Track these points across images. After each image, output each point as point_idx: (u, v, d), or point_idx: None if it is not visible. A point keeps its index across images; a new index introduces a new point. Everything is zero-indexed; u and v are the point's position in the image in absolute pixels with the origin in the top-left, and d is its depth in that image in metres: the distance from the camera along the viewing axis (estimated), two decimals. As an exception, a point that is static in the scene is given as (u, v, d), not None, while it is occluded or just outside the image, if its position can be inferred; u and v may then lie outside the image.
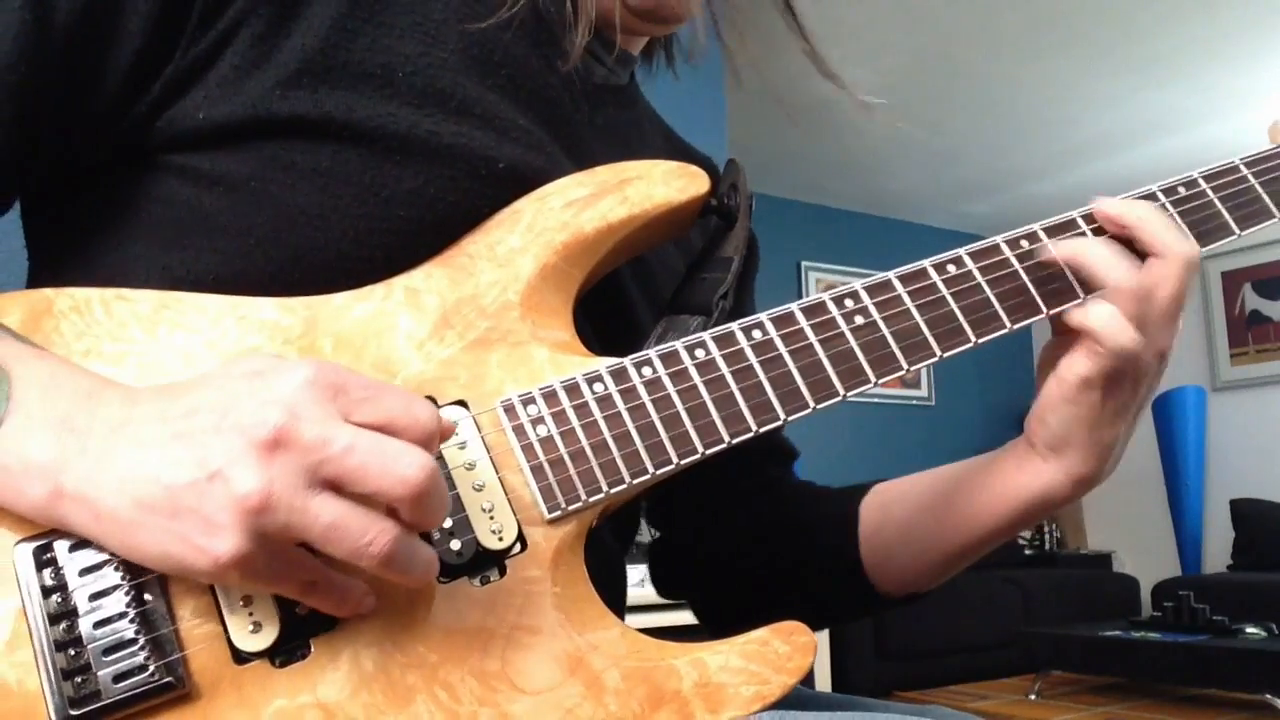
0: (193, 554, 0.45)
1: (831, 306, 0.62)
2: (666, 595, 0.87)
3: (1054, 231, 0.65)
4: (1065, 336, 0.63)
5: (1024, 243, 0.65)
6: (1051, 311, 0.64)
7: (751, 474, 0.81)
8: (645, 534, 0.85)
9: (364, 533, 0.45)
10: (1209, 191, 0.67)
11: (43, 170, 0.60)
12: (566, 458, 0.57)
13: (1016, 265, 0.64)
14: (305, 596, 0.49)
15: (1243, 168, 0.68)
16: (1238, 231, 0.67)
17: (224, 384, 0.47)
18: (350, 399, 0.47)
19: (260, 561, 0.45)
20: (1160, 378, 0.65)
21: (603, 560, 0.66)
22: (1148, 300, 0.61)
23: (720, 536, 0.82)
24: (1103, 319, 0.60)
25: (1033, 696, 4.42)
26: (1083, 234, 0.65)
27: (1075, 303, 0.63)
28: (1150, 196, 0.67)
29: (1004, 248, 0.65)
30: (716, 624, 0.84)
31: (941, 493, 0.73)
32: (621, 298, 0.72)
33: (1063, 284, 0.64)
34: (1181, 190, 0.67)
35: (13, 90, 0.55)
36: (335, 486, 0.45)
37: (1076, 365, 0.61)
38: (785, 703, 0.55)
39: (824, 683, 3.67)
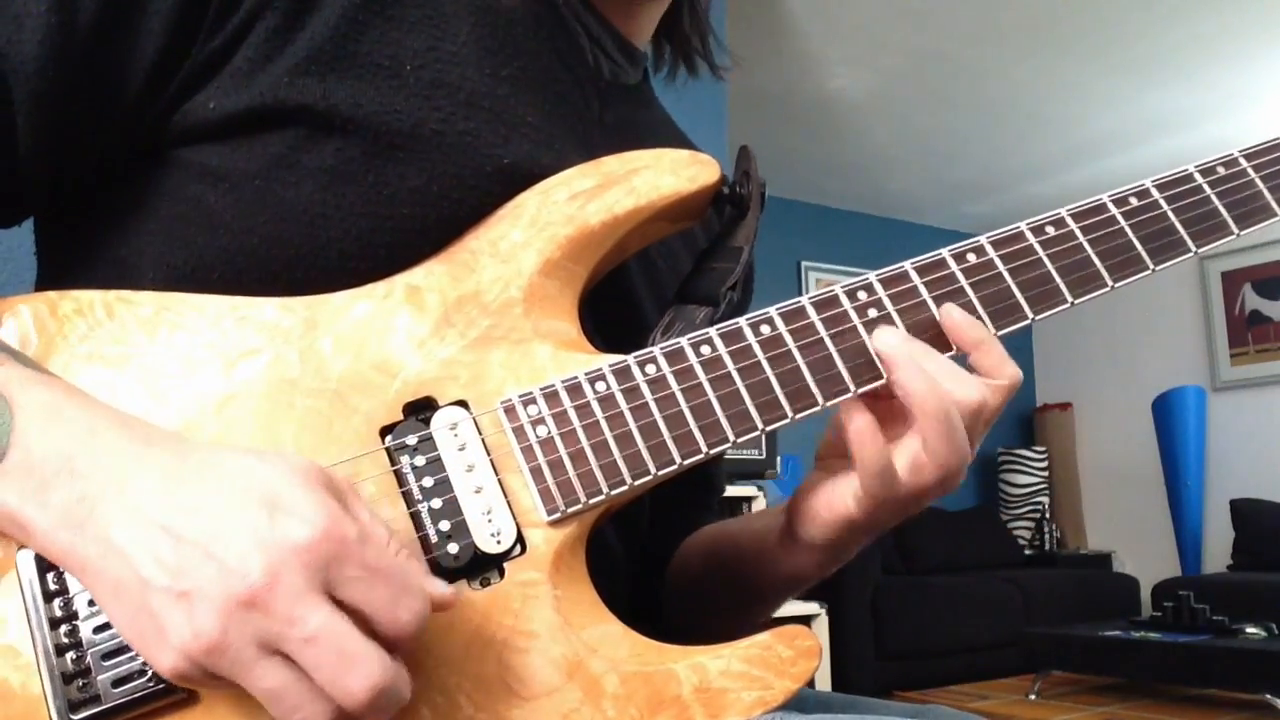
0: (143, 649, 0.45)
1: (844, 299, 0.60)
2: None
3: (1081, 216, 0.63)
4: (843, 439, 0.60)
5: (1050, 229, 0.62)
6: (1077, 301, 0.61)
7: (659, 498, 0.79)
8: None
9: (297, 710, 0.44)
10: (1250, 170, 0.65)
11: (68, 170, 0.60)
12: (566, 459, 0.56)
13: (1040, 253, 0.62)
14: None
15: None
16: None
17: (236, 495, 0.45)
18: (342, 574, 0.45)
19: (201, 681, 0.45)
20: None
21: (606, 562, 0.66)
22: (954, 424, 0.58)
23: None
24: (869, 461, 0.58)
25: (1033, 696, 4.42)
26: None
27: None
28: (1187, 178, 0.64)
29: (1028, 234, 0.62)
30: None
31: (721, 557, 0.75)
32: (627, 292, 0.71)
33: (1090, 270, 0.62)
34: (1221, 170, 0.65)
35: (41, 94, 0.55)
36: (288, 658, 0.44)
37: (847, 500, 0.60)
38: (785, 703, 0.54)
39: (824, 683, 3.66)
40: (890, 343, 0.59)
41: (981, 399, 0.59)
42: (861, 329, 0.60)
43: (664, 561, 0.81)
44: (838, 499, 0.61)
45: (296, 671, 0.44)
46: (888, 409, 0.60)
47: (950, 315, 0.60)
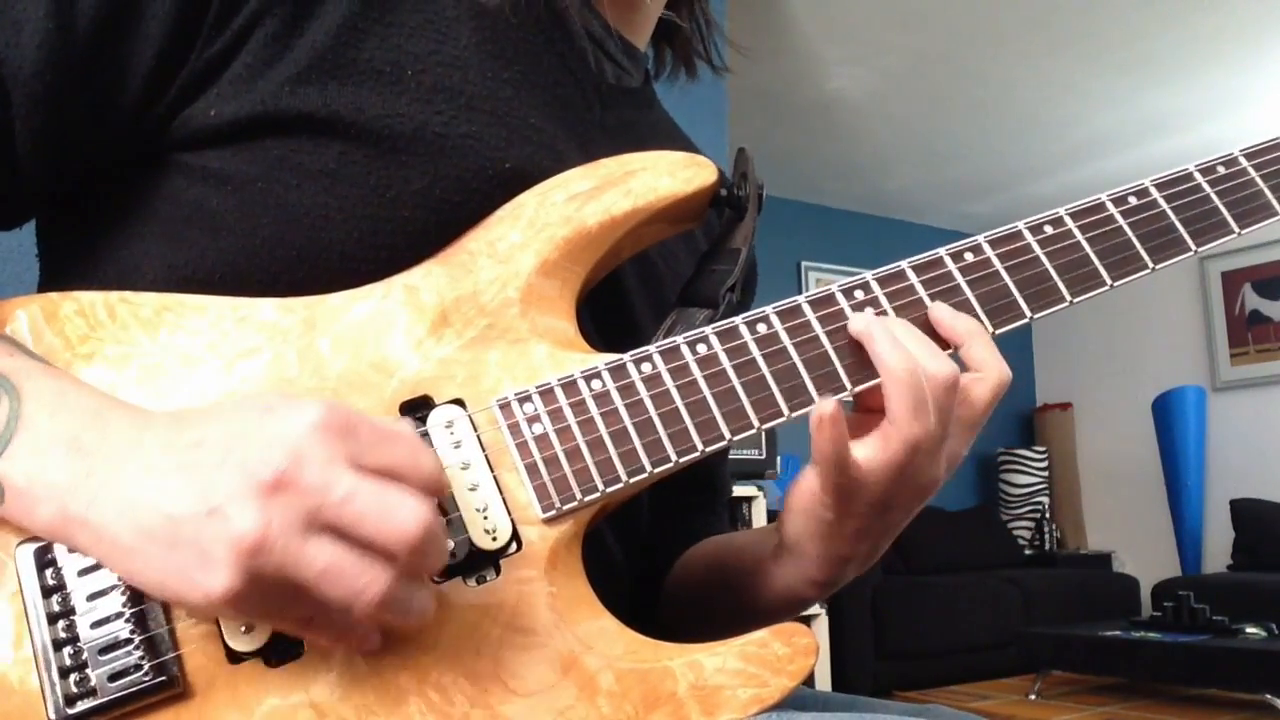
0: (187, 587, 0.45)
1: (841, 298, 0.61)
2: None
3: (1080, 215, 0.63)
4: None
5: (1048, 228, 0.62)
6: (1075, 300, 0.61)
7: (663, 502, 0.79)
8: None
9: (358, 578, 0.45)
10: (1251, 170, 0.65)
11: (66, 174, 0.60)
12: (562, 456, 0.56)
13: (1039, 252, 0.62)
14: (302, 631, 0.49)
15: None
16: None
17: (234, 418, 0.47)
18: (358, 443, 0.46)
19: (254, 599, 0.45)
20: (914, 512, 0.61)
21: (603, 560, 0.66)
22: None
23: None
24: (813, 421, 0.56)
25: (1033, 696, 4.42)
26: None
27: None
28: (1187, 177, 0.64)
29: (1026, 233, 0.62)
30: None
31: (722, 569, 0.74)
32: (626, 293, 0.72)
33: (1089, 269, 0.61)
34: (1221, 169, 0.65)
35: (40, 98, 0.56)
36: (333, 531, 0.45)
37: (807, 474, 0.59)
38: (785, 702, 0.54)
39: (824, 683, 3.66)
40: (864, 319, 0.59)
41: (953, 376, 0.57)
42: None
43: (667, 565, 0.81)
44: (806, 486, 0.59)
45: (346, 543, 0.45)
46: (873, 421, 0.58)
47: (938, 310, 0.60)
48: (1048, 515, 6.10)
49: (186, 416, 0.49)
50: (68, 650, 0.49)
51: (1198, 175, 0.64)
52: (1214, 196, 0.64)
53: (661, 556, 0.80)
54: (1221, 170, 0.65)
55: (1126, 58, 4.19)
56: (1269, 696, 3.78)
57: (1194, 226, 0.63)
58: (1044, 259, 0.62)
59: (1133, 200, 0.63)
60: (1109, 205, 0.63)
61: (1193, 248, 0.63)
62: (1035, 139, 5.03)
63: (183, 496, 0.45)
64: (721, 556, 0.77)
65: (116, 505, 0.46)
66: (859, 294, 0.61)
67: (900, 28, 3.92)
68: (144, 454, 0.47)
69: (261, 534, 0.43)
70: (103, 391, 0.52)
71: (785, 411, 0.59)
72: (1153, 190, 0.64)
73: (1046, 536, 5.99)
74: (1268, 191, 0.64)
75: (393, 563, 0.45)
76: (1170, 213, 0.63)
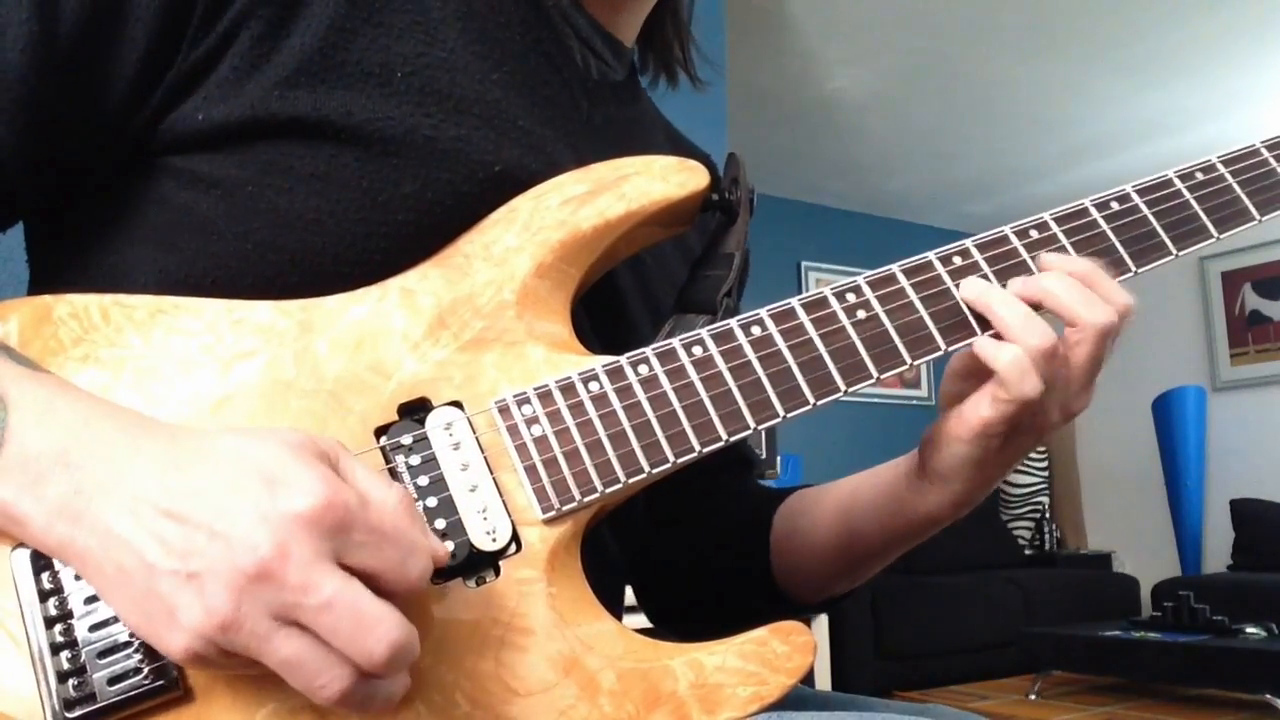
0: (153, 635, 0.45)
1: (833, 301, 0.61)
2: None
3: (1064, 220, 0.65)
4: (975, 369, 0.62)
5: (1033, 232, 0.64)
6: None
7: (701, 481, 0.80)
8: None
9: (318, 675, 0.44)
10: (1228, 176, 0.66)
11: (52, 178, 0.60)
12: (561, 458, 0.56)
13: (1024, 256, 0.63)
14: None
15: (1264, 151, 0.67)
16: (1258, 217, 0.66)
17: (234, 475, 0.46)
18: (350, 541, 0.45)
19: (213, 661, 0.45)
20: (1057, 430, 0.64)
21: (602, 560, 0.66)
22: (1059, 361, 0.61)
23: (660, 540, 0.82)
24: (1008, 362, 0.59)
25: (1033, 696, 4.42)
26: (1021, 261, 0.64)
27: (988, 333, 0.61)
28: (1167, 183, 0.66)
29: (1012, 238, 0.64)
30: (659, 622, 0.85)
31: (842, 506, 0.75)
32: (619, 295, 0.72)
33: (1101, 261, 0.63)
34: (1199, 175, 0.66)
35: (24, 101, 0.55)
36: (302, 627, 0.44)
37: (981, 408, 0.61)
38: (784, 702, 0.54)
39: (824, 682, 3.66)
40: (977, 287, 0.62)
41: (1064, 347, 0.61)
42: (850, 329, 0.61)
43: (722, 538, 0.81)
44: (974, 414, 0.61)
45: (312, 639, 0.44)
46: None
47: (1014, 286, 0.62)
48: (1048, 515, 6.10)
49: (184, 443, 0.48)
50: (66, 654, 0.48)
51: (1177, 181, 0.66)
52: (1193, 202, 0.65)
53: (709, 531, 0.81)
54: (1200, 176, 0.66)
55: (1126, 58, 4.18)
56: (1269, 696, 3.78)
57: (1174, 231, 0.65)
58: (1031, 264, 0.63)
59: (1115, 205, 0.65)
60: (1092, 210, 0.65)
61: (1173, 252, 0.65)
62: (1036, 139, 5.03)
63: (165, 550, 0.44)
64: (835, 503, 0.77)
65: (101, 534, 0.45)
66: (851, 296, 0.62)
67: (900, 28, 3.92)
68: (135, 480, 0.46)
69: (231, 617, 0.43)
70: (93, 396, 0.51)
71: (780, 413, 0.59)
72: (1134, 195, 0.65)
73: (1046, 536, 5.99)
74: (1245, 198, 0.66)
75: (356, 668, 0.45)
76: (1151, 218, 0.65)
